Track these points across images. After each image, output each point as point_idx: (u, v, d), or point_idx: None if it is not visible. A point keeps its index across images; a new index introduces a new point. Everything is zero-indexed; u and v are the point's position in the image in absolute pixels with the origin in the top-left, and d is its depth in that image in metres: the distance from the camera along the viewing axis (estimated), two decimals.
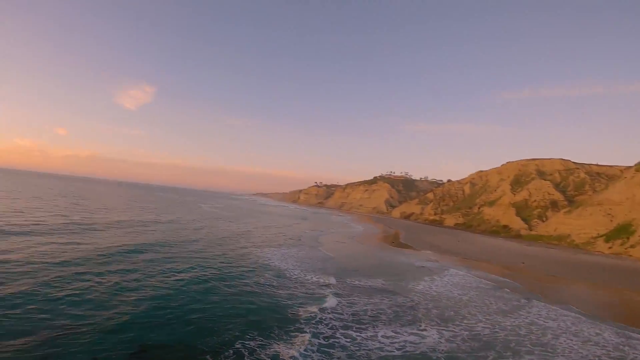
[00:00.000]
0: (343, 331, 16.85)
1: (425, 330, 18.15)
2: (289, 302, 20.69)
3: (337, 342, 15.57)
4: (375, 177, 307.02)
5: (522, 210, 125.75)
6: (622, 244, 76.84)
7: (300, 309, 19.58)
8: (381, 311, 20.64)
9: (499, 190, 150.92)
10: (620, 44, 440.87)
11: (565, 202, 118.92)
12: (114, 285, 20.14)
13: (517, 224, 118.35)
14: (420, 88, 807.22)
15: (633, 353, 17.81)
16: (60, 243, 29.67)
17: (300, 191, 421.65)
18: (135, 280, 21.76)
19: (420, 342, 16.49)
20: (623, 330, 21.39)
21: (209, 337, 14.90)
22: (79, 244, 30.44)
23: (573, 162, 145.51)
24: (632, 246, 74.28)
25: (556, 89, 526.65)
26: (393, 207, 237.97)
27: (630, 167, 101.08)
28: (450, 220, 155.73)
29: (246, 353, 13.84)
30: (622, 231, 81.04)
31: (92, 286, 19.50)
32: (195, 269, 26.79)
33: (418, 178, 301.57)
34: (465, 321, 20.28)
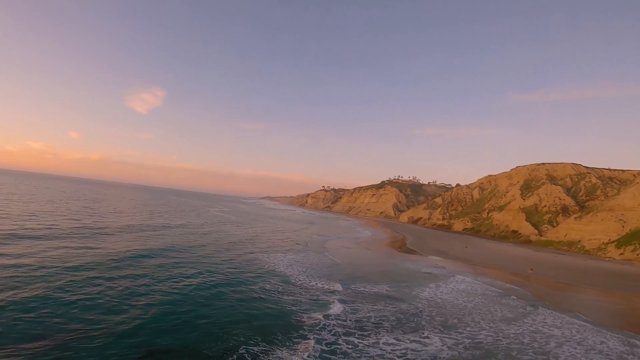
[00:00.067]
0: (345, 338, 17.12)
1: (427, 337, 18.30)
2: (294, 309, 21.03)
3: (339, 349, 15.85)
4: (383, 182, 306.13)
5: (532, 215, 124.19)
6: (633, 250, 75.40)
7: (304, 315, 19.92)
8: (384, 318, 20.84)
9: (508, 195, 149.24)
10: (634, 46, 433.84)
11: (577, 208, 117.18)
12: (124, 290, 20.74)
13: (526, 229, 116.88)
14: (428, 92, 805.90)
15: None
16: (73, 247, 30.53)
17: (307, 195, 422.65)
18: (144, 285, 22.35)
19: (422, 350, 16.66)
20: (629, 338, 21.21)
21: (214, 342, 15.33)
22: (90, 248, 31.28)
23: (584, 167, 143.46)
24: None
25: (567, 91, 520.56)
26: (401, 211, 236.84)
27: None
28: (458, 225, 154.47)
29: (249, 358, 14.23)
30: (634, 237, 79.50)
31: (103, 291, 20.13)
32: (203, 274, 27.33)
33: (426, 182, 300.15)
34: (468, 329, 20.35)
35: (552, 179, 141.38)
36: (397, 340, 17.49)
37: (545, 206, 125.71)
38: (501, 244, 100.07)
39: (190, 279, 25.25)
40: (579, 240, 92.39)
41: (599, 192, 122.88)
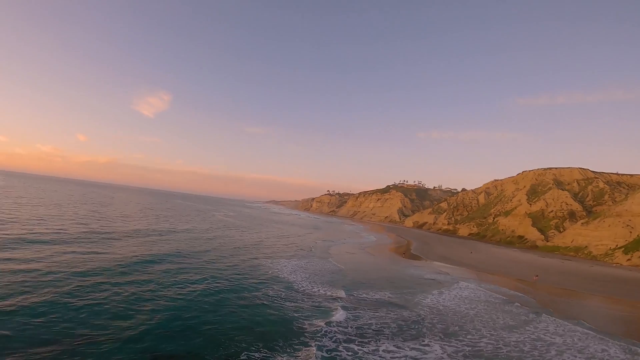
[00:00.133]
0: (346, 345, 17.35)
1: (428, 345, 18.45)
2: (296, 315, 21.30)
3: (338, 356, 16.09)
4: (388, 186, 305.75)
5: (538, 220, 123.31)
6: None
7: (305, 322, 20.17)
8: (385, 325, 21.02)
9: (514, 200, 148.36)
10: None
11: (584, 213, 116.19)
12: (130, 296, 21.19)
13: (533, 234, 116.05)
14: (434, 96, 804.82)
15: None
16: (80, 252, 31.10)
17: (312, 199, 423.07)
18: (150, 291, 22.79)
19: (422, 358, 16.82)
20: (631, 346, 21.15)
21: (216, 349, 15.67)
22: (98, 253, 31.84)
23: (592, 171, 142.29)
24: None
25: (573, 94, 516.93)
26: (406, 216, 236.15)
27: None
28: (464, 230, 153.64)
29: None
30: None
31: (110, 296, 20.58)
32: (208, 280, 27.72)
33: (431, 187, 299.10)
34: (469, 336, 20.46)
35: (559, 184, 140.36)
36: (397, 347, 17.67)
37: (552, 211, 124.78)
38: (507, 249, 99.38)
39: (195, 285, 25.65)
40: (586, 246, 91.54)
41: (606, 197, 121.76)
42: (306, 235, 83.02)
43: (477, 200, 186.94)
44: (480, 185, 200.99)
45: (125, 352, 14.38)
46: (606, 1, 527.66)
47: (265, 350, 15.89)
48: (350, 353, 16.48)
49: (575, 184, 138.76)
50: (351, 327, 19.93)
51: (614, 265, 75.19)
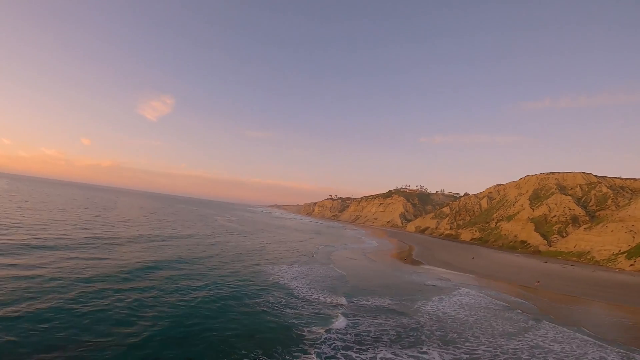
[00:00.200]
0: (344, 352, 17.57)
1: (426, 352, 18.63)
2: (296, 322, 21.53)
3: None
4: (390, 191, 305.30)
5: (541, 225, 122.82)
6: None
7: (305, 329, 20.41)
8: (384, 332, 21.20)
9: (517, 205, 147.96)
10: None
11: (587, 218, 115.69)
12: (133, 302, 21.52)
13: (535, 239, 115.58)
14: (437, 100, 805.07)
15: None
16: (84, 258, 31.47)
17: (315, 204, 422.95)
18: (153, 297, 23.11)
19: None
20: (630, 353, 21.23)
21: (216, 355, 15.97)
22: (101, 259, 32.22)
23: (595, 176, 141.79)
24: None
25: (577, 98, 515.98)
26: (408, 221, 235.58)
27: None
28: (466, 235, 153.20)
29: None
30: None
31: (113, 303, 20.92)
32: (210, 286, 28.03)
33: (434, 192, 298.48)
34: (467, 344, 20.61)
35: (561, 189, 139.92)
36: (395, 355, 17.87)
37: (554, 216, 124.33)
38: (509, 254, 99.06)
39: (197, 292, 25.95)
40: (589, 251, 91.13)
41: (609, 201, 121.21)
42: (308, 240, 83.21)
43: (480, 204, 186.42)
44: (483, 189, 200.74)
45: (128, 359, 14.69)
46: (609, 5, 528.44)
47: (265, 358, 16.15)
48: None
49: (578, 189, 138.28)
50: (350, 334, 20.15)
51: (617, 270, 74.81)
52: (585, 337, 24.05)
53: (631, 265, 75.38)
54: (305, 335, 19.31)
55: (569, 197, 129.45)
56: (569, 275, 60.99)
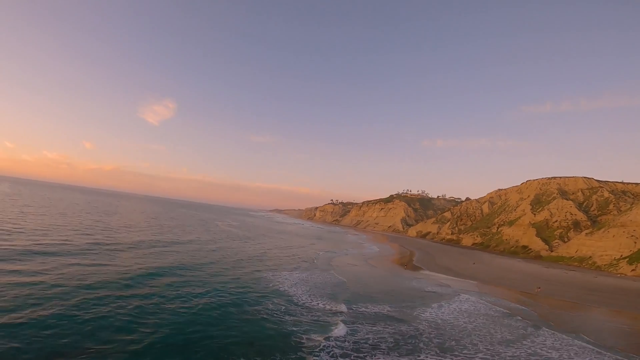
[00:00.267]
0: (342, 359, 17.75)
1: None
2: (295, 329, 21.70)
3: None
4: (391, 195, 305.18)
5: (542, 230, 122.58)
6: None
7: (304, 336, 20.59)
8: (382, 339, 21.35)
9: (518, 210, 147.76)
10: None
11: (588, 223, 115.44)
12: (134, 309, 21.76)
13: (537, 244, 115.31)
14: (438, 105, 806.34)
15: None
16: (85, 264, 31.73)
17: (316, 208, 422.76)
18: (154, 304, 23.35)
19: None
20: (628, 359, 21.31)
21: None
22: (102, 265, 32.47)
23: (596, 180, 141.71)
24: None
25: (578, 102, 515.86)
26: (409, 225, 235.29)
27: None
28: (467, 240, 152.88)
29: None
30: None
31: (114, 309, 21.17)
32: (211, 293, 28.24)
33: (435, 196, 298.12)
34: (465, 351, 20.73)
35: (563, 194, 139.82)
36: None
37: (556, 221, 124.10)
38: (510, 259, 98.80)
39: (198, 299, 26.16)
40: (590, 256, 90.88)
41: (611, 206, 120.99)
42: (309, 246, 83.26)
43: (481, 209, 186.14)
44: (484, 194, 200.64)
45: None
46: (610, 9, 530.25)
47: None
48: None
49: (579, 194, 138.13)
50: (349, 342, 20.30)
51: (618, 275, 74.57)
52: (584, 344, 24.12)
53: (633, 270, 75.14)
54: (304, 343, 19.49)
55: (570, 202, 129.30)
56: (570, 281, 60.86)
